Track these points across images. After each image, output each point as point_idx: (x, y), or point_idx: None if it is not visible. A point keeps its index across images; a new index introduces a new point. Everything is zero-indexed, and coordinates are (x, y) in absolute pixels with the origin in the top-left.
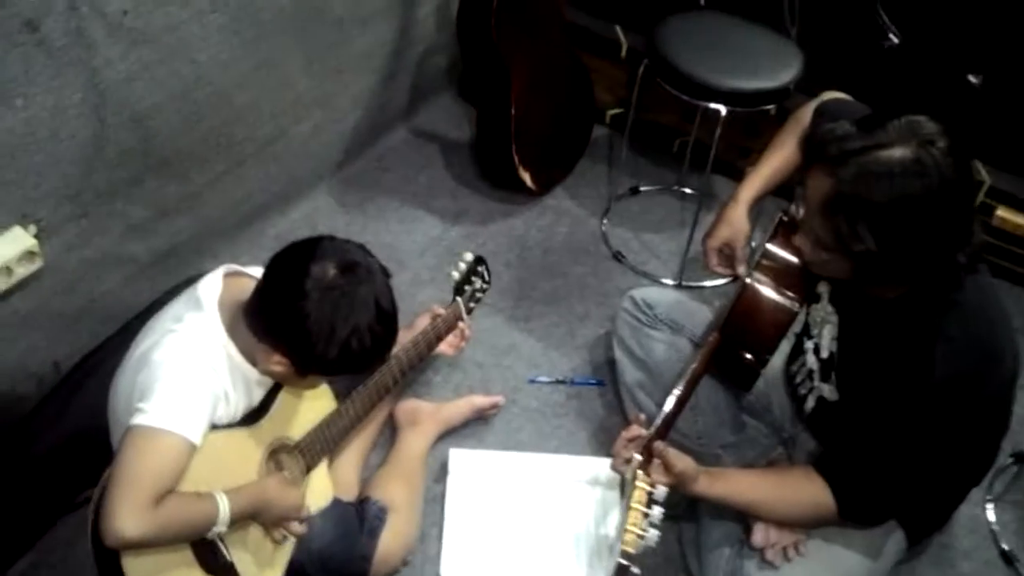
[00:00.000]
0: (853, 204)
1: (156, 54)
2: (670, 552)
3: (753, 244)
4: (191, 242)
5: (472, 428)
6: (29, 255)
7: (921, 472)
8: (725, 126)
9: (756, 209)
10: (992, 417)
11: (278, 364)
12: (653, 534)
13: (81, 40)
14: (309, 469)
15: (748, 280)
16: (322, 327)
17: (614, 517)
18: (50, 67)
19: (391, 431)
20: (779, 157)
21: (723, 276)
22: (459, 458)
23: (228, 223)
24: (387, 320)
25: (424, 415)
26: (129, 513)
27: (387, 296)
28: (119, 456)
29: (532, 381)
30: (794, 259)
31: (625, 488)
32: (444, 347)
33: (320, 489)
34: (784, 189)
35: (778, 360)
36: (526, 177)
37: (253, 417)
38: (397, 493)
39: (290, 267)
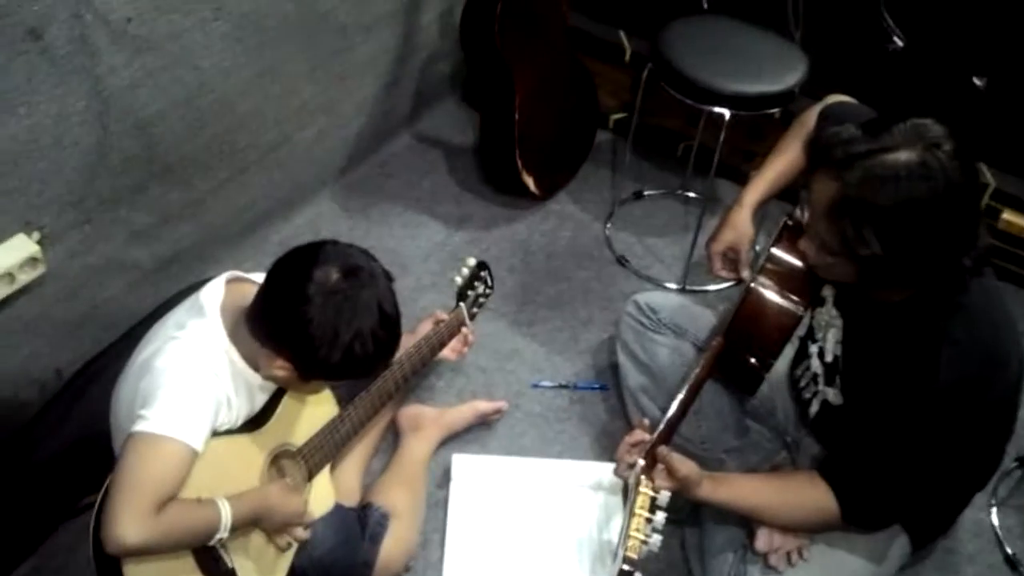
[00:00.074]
0: (859, 208)
1: (159, 61)
2: (673, 557)
3: (757, 248)
4: (194, 249)
5: (475, 433)
6: (32, 262)
7: (925, 476)
8: (729, 130)
9: (760, 213)
10: (997, 421)
11: (281, 369)
12: (656, 539)
13: (85, 48)
14: (311, 475)
15: (752, 284)
16: (325, 331)
17: (617, 522)
18: (53, 75)
19: (394, 436)
20: (784, 161)
21: (727, 280)
22: (462, 463)
23: (231, 229)
24: (390, 324)
25: (427, 420)
26: (130, 520)
27: (390, 300)
28: (121, 463)
29: (535, 386)
30: (798, 263)
31: (628, 493)
32: (447, 352)
33: (322, 495)
34: (788, 193)
35: (782, 364)
36: (529, 182)
37: (255, 423)
38: (399, 499)
39: (293, 271)
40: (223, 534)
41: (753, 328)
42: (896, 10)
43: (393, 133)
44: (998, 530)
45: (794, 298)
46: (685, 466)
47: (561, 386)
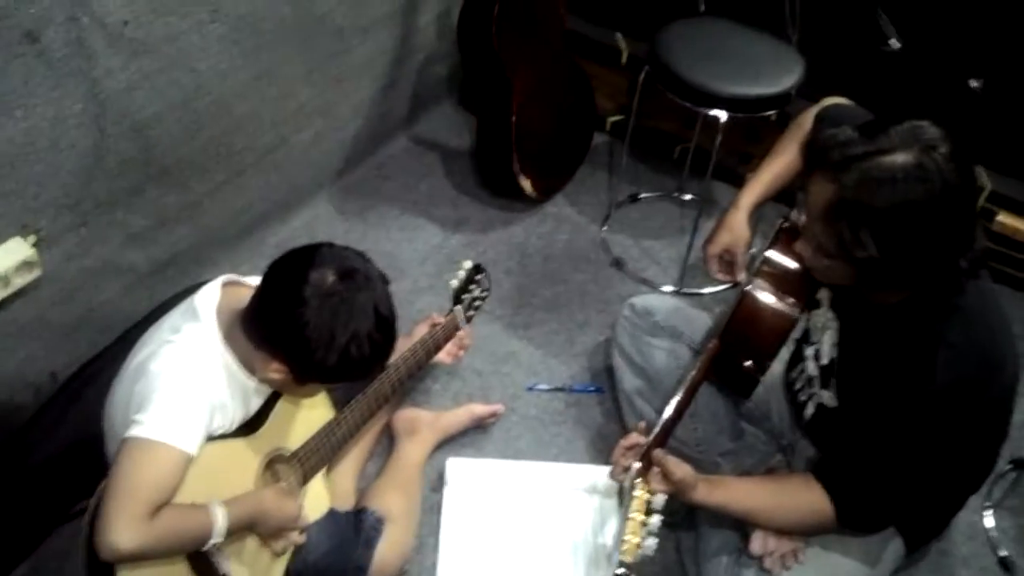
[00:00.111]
0: (855, 210)
1: (156, 64)
2: (668, 561)
3: (754, 250)
4: (191, 251)
5: (471, 437)
6: (27, 265)
7: (920, 479)
8: (726, 132)
9: (757, 215)
10: (992, 423)
11: (276, 372)
12: (651, 543)
13: (81, 51)
14: (306, 479)
15: (748, 287)
16: (321, 334)
17: (612, 526)
18: (50, 78)
19: (389, 440)
20: (780, 163)
21: (723, 282)
22: (457, 467)
23: (228, 232)
24: (386, 327)
25: (423, 424)
26: (125, 525)
27: (386, 303)
28: (115, 468)
29: (531, 389)
30: (795, 265)
31: (623, 496)
32: (443, 355)
33: (317, 499)
34: (785, 195)
35: (778, 367)
36: (526, 184)
37: (250, 427)
38: (394, 503)
39: (289, 274)
40: (218, 539)
41: (749, 331)
42: (892, 12)
43: (390, 136)
44: (992, 533)
45: (790, 300)
46: (680, 469)
47: (557, 389)
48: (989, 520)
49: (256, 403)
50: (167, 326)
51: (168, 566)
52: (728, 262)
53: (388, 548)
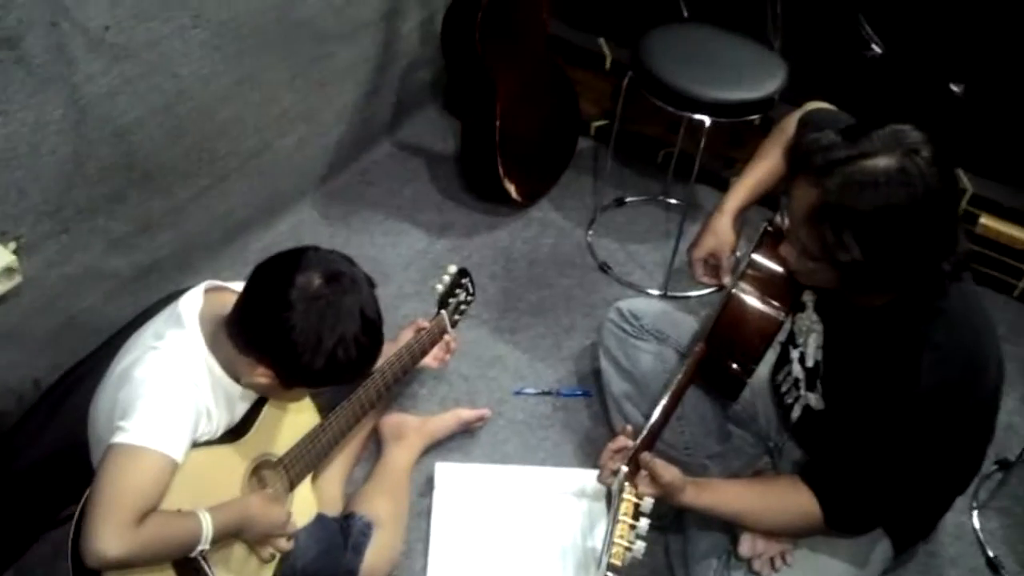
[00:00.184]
0: (839, 213)
1: (138, 69)
2: (657, 564)
3: (738, 254)
4: (173, 257)
5: (458, 441)
6: (8, 272)
7: (907, 480)
8: (709, 137)
9: (741, 219)
10: (978, 425)
11: (262, 376)
12: (640, 546)
13: (62, 56)
14: (293, 485)
15: (733, 290)
16: (308, 337)
17: (601, 529)
18: (30, 83)
19: (376, 445)
20: (764, 167)
21: (709, 286)
22: (445, 472)
23: (211, 238)
24: (373, 330)
25: (409, 429)
26: (110, 533)
27: (372, 306)
28: (100, 475)
29: (518, 393)
30: (779, 269)
31: (612, 500)
32: (429, 360)
33: (304, 505)
34: (769, 199)
35: (764, 370)
36: (511, 189)
37: (236, 433)
38: (382, 508)
39: (274, 277)
40: (204, 546)
41: (735, 334)
42: (874, 18)
43: (374, 141)
44: (979, 533)
45: (775, 304)
46: (668, 472)
47: (544, 393)
48: (976, 521)
49: (241, 409)
50: (150, 332)
51: (155, 573)
52: (713, 266)
53: (376, 553)
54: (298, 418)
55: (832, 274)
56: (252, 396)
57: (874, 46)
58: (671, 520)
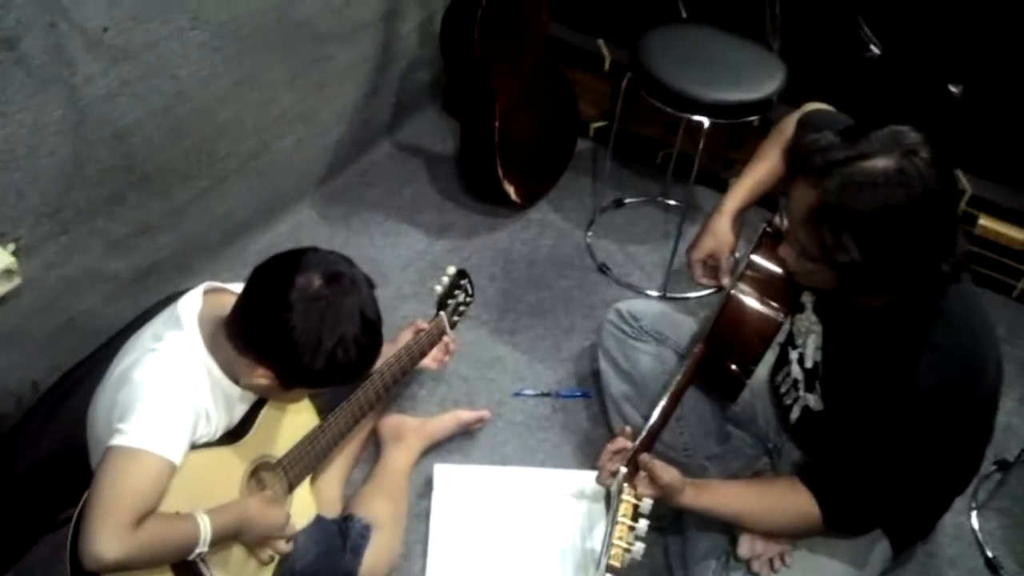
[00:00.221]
0: (838, 214)
1: (137, 70)
2: (656, 565)
3: (737, 255)
4: (173, 259)
5: (457, 443)
6: (7, 273)
7: (906, 481)
8: (708, 138)
9: (740, 220)
10: (976, 425)
11: (262, 377)
12: (639, 547)
13: (61, 57)
14: (292, 487)
15: (732, 291)
16: (308, 338)
17: (600, 530)
18: (29, 85)
19: (375, 447)
20: (763, 168)
21: (708, 287)
22: (444, 473)
23: (211, 239)
24: (373, 331)
25: (409, 430)
26: (108, 535)
27: (372, 307)
28: (98, 477)
29: (517, 394)
30: (778, 270)
31: (611, 501)
32: (428, 361)
33: (303, 507)
34: (768, 200)
35: (763, 371)
36: (510, 190)
37: (234, 435)
38: (381, 510)
39: (274, 278)
40: (203, 548)
41: (734, 335)
42: (873, 19)
43: (373, 142)
44: (978, 533)
45: (774, 305)
46: (667, 473)
47: (543, 394)
48: (975, 521)
49: (240, 410)
50: (149, 334)
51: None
52: (712, 267)
53: (375, 555)
54: (297, 419)
55: (831, 275)
56: (251, 398)
57: (873, 47)
58: (670, 521)
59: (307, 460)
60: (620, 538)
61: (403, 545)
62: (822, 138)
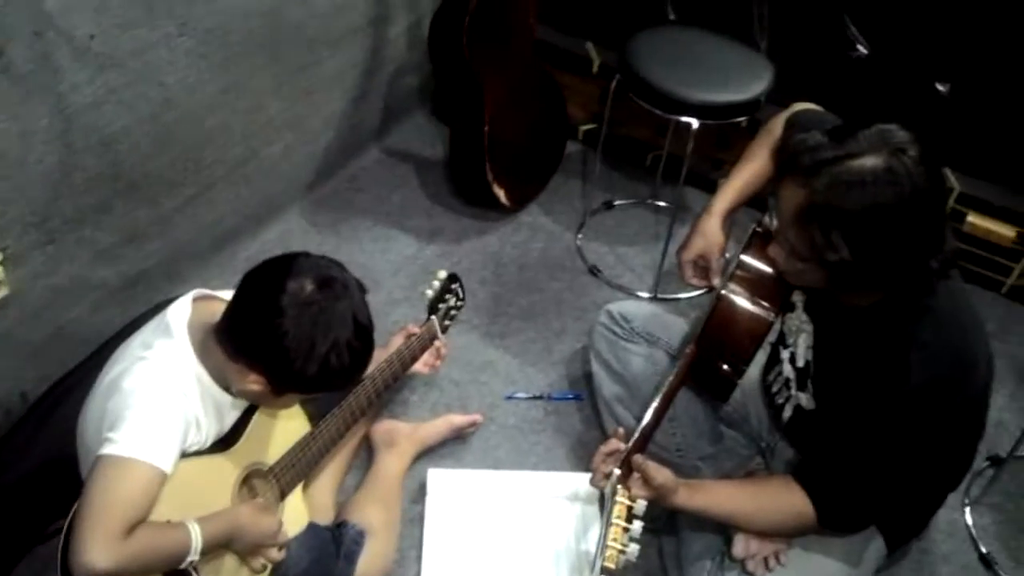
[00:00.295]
0: (827, 214)
1: (124, 78)
2: (651, 566)
3: (727, 255)
4: (161, 267)
5: (450, 447)
6: None
7: (899, 478)
8: (697, 139)
9: (730, 221)
10: (968, 421)
11: (254, 383)
12: (634, 548)
13: (47, 65)
14: (284, 494)
15: (723, 291)
16: (300, 343)
17: (594, 532)
18: (15, 93)
19: (367, 453)
20: (751, 169)
21: (698, 288)
22: (437, 478)
23: (199, 247)
24: (365, 335)
25: (401, 435)
26: (99, 544)
27: (364, 311)
28: (88, 486)
29: (509, 398)
30: (768, 269)
31: (605, 503)
32: (420, 366)
33: (295, 514)
34: (757, 200)
35: (754, 370)
36: (500, 194)
37: (225, 443)
38: (375, 516)
39: (266, 284)
40: (194, 557)
41: (725, 335)
42: (860, 19)
43: (362, 147)
44: (972, 529)
45: (765, 304)
46: (661, 474)
47: (535, 397)
48: (969, 517)
49: (231, 418)
50: (139, 342)
51: None
52: (702, 268)
53: (369, 561)
54: (288, 426)
55: (821, 274)
56: (242, 405)
57: (860, 47)
58: (664, 522)
59: (299, 467)
60: (615, 540)
61: (397, 551)
62: (810, 138)
